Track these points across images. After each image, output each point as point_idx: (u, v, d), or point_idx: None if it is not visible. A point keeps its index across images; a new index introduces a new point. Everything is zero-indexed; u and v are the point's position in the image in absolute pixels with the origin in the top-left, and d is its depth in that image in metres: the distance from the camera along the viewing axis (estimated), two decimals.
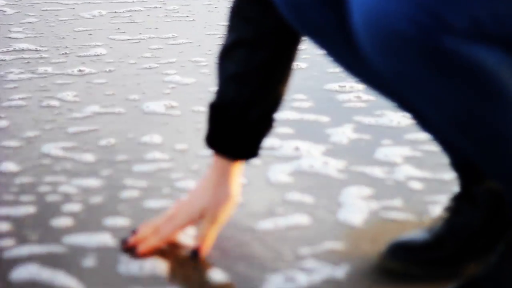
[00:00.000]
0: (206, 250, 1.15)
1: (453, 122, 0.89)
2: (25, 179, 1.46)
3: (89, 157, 1.56)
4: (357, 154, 1.53)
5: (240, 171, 1.16)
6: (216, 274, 1.13)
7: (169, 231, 1.16)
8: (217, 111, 1.12)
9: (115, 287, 1.10)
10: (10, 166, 1.52)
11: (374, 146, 1.57)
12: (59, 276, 1.14)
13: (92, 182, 1.44)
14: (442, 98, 0.86)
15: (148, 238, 1.17)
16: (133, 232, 1.19)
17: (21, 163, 1.54)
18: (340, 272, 1.12)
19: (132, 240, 1.18)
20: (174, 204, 1.20)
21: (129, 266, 1.15)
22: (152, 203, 1.35)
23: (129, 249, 1.17)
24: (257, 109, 1.10)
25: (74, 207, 1.35)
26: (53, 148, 1.61)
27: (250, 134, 1.12)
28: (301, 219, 1.28)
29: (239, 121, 1.11)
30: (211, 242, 1.16)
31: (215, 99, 1.13)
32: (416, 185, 1.39)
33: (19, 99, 1.95)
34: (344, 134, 1.62)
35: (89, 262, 1.17)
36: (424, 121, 1.05)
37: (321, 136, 1.63)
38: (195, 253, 1.14)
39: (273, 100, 1.12)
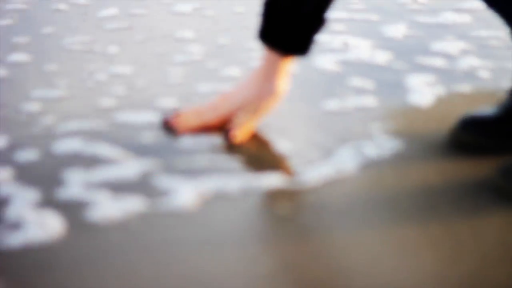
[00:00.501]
0: (239, 137, 1.15)
1: None
2: (52, 67, 1.41)
3: (123, 49, 1.52)
4: (412, 48, 1.49)
5: (289, 68, 1.17)
6: (284, 144, 1.09)
7: (210, 117, 1.18)
8: (270, 4, 1.14)
9: (168, 158, 1.07)
10: (23, 57, 1.47)
11: (430, 40, 1.52)
12: (103, 149, 1.10)
13: (132, 68, 1.40)
14: None
15: (189, 119, 1.18)
16: (176, 112, 1.20)
17: (40, 53, 1.49)
18: (410, 147, 1.10)
19: (173, 118, 1.19)
20: (220, 95, 1.21)
21: (182, 140, 1.12)
22: (199, 88, 1.32)
23: (169, 128, 1.18)
24: (310, 3, 1.11)
25: (118, 89, 1.31)
26: (75, 43, 1.56)
27: (301, 28, 1.13)
28: (367, 100, 1.26)
29: (291, 14, 1.12)
30: (246, 132, 1.16)
31: None
32: (482, 73, 1.36)
33: (22, 2, 1.88)
34: (397, 30, 1.58)
35: (137, 136, 1.13)
36: None
37: (373, 32, 1.58)
38: (226, 136, 1.15)
39: None
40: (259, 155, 1.10)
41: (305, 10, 1.11)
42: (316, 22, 1.13)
